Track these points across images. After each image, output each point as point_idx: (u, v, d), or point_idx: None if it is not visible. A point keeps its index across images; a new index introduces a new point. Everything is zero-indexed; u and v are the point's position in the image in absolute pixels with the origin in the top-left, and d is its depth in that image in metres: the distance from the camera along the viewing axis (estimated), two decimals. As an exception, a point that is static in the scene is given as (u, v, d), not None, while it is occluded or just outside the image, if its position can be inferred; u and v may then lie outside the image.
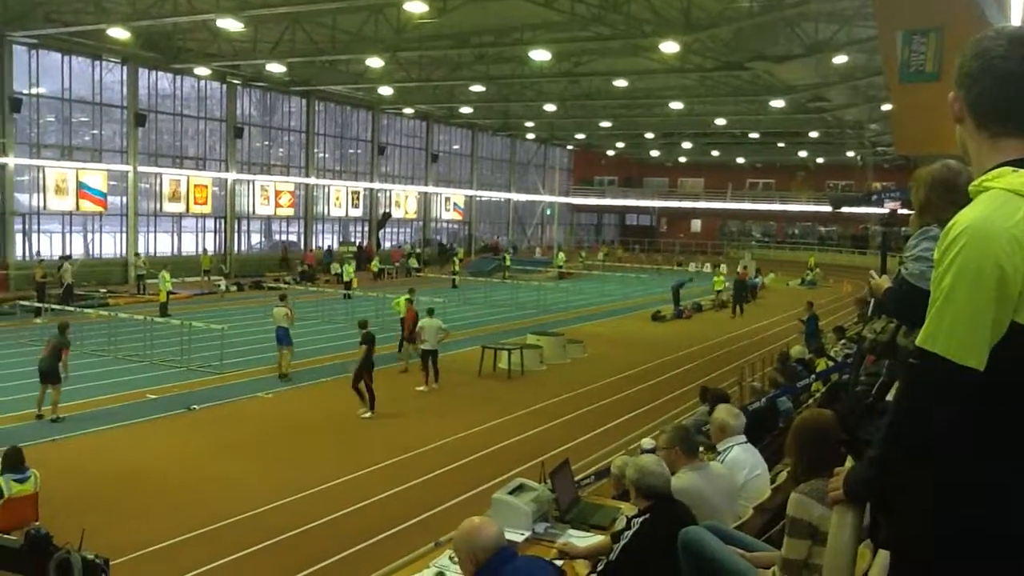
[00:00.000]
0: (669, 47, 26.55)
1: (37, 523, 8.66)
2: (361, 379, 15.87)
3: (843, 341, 17.19)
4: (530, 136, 64.28)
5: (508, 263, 46.91)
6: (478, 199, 62.75)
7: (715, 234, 69.95)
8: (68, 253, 34.36)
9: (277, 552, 9.62)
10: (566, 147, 72.14)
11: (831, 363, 14.64)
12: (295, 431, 14.90)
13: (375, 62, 32.11)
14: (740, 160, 67.48)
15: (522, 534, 5.13)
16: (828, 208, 57.16)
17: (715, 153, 64.86)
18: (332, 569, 9.15)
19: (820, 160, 64.31)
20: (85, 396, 16.49)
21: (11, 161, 32.93)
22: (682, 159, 69.71)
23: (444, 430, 14.99)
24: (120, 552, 8.18)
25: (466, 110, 49.67)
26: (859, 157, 56.82)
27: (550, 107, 44.80)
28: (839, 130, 48.51)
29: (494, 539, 3.71)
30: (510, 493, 5.42)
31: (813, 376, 13.85)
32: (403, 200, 54.97)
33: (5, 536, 5.53)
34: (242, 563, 9.30)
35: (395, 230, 55.62)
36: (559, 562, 4.62)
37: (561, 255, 52.32)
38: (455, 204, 60.13)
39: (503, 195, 65.66)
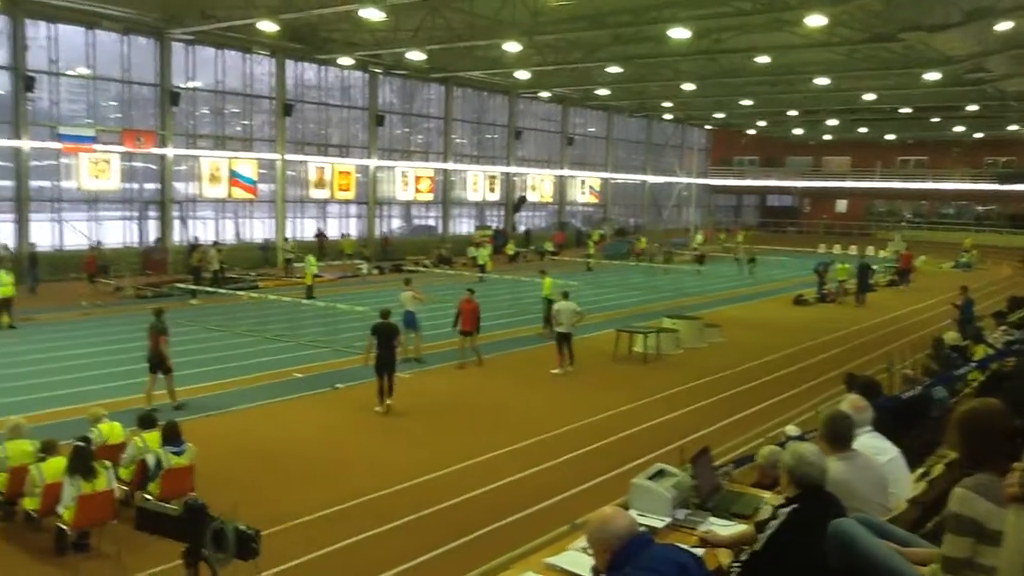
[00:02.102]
0: (815, 20, 25.51)
1: (193, 494, 9.14)
2: (384, 371, 14.82)
3: (1003, 327, 16.15)
4: (667, 117, 63.24)
5: (643, 246, 46.35)
6: (613, 182, 62.27)
7: (862, 215, 67.06)
8: (215, 239, 36.05)
9: (415, 529, 9.81)
10: (704, 127, 70.62)
11: (991, 350, 13.75)
12: (431, 410, 15.18)
13: (512, 46, 32.21)
14: (890, 136, 64.31)
15: (662, 520, 5.03)
16: (986, 186, 53.76)
17: (862, 130, 62.06)
18: (469, 547, 9.27)
19: (978, 135, 60.50)
20: (235, 375, 17.30)
21: (170, 152, 34.88)
22: (827, 137, 67.02)
23: (579, 413, 14.96)
24: (267, 524, 8.53)
25: (602, 92, 49.27)
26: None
27: (688, 86, 43.88)
28: (1000, 102, 45.50)
29: (626, 527, 3.63)
30: (650, 478, 5.32)
31: (974, 364, 13.05)
32: (539, 184, 55.13)
33: (165, 504, 5.83)
34: (382, 538, 9.53)
35: (531, 214, 55.87)
36: (699, 550, 4.49)
37: (698, 237, 51.34)
38: (590, 187, 59.86)
39: (639, 177, 64.92)
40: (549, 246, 45.07)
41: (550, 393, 16.82)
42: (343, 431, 13.75)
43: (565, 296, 19.11)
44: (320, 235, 40.03)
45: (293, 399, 15.65)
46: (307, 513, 10.02)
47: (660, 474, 5.41)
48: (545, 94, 50.97)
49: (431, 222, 49.75)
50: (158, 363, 14.47)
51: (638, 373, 18.84)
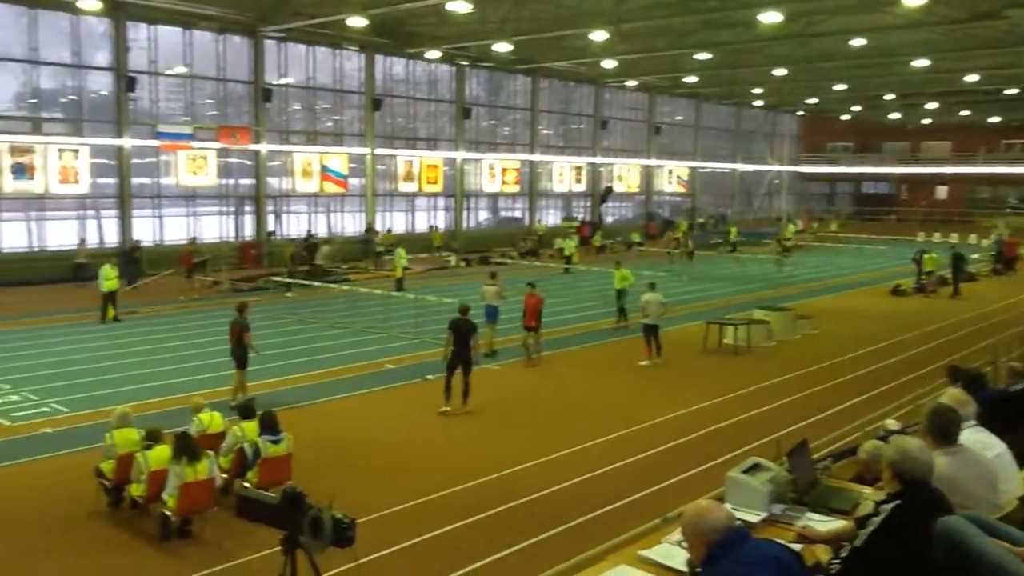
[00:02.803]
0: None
1: (290, 482, 9.36)
2: (456, 369, 14.35)
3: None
4: (757, 103, 61.97)
5: (734, 235, 45.55)
6: (702, 171, 61.35)
7: (963, 201, 64.55)
8: (327, 235, 36.89)
9: (505, 519, 9.85)
10: (795, 113, 68.97)
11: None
12: (517, 403, 15.21)
13: (598, 35, 31.99)
14: (994, 119, 61.68)
15: (757, 515, 4.94)
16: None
17: (964, 113, 59.70)
18: (558, 539, 9.26)
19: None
20: (329, 366, 17.66)
21: (264, 148, 35.78)
22: (926, 121, 64.70)
23: (668, 405, 14.80)
24: (360, 513, 8.66)
25: (690, 79, 48.57)
26: None
27: (779, 71, 42.90)
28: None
29: (724, 520, 3.57)
30: (745, 472, 5.22)
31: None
32: (625, 174, 54.70)
33: (265, 492, 5.98)
34: (473, 528, 9.60)
35: (617, 204, 55.49)
36: (796, 546, 4.38)
37: (791, 226, 50.19)
38: (678, 177, 59.11)
39: (728, 166, 63.80)
40: (637, 237, 44.69)
41: (638, 385, 16.69)
42: (433, 421, 13.89)
43: (651, 287, 18.92)
44: (370, 231, 39.56)
45: (385, 390, 15.90)
46: (399, 502, 10.16)
47: (756, 468, 5.31)
48: (632, 83, 50.51)
49: (517, 214, 49.87)
50: (242, 357, 14.59)
51: (729, 365, 18.54)
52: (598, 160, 52.37)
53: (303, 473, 9.89)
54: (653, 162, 56.50)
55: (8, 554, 8.86)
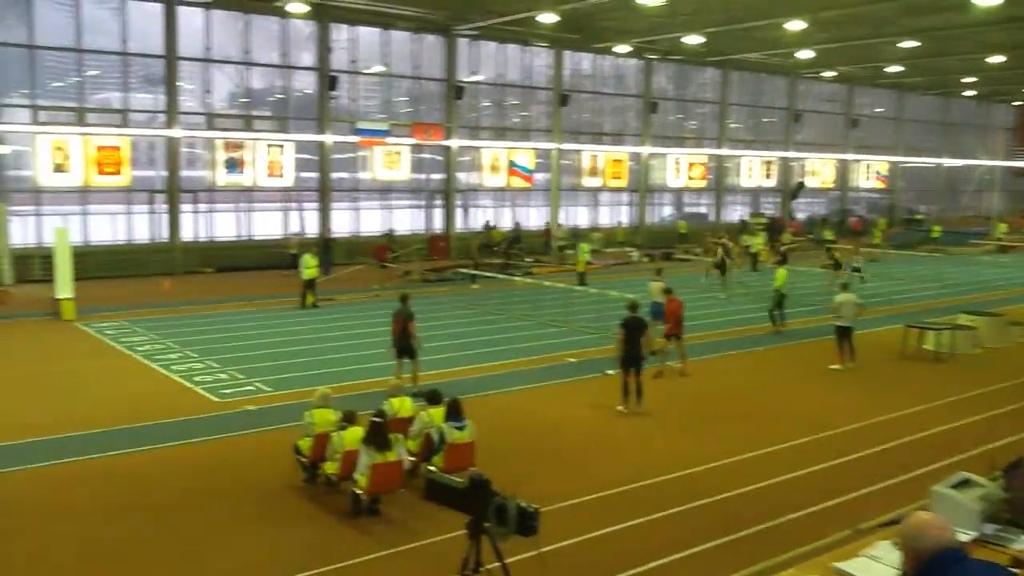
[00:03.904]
0: None
1: (474, 468, 9.56)
2: (630, 367, 14.05)
3: None
4: (967, 93, 57.78)
5: (936, 234, 42.73)
6: (903, 165, 57.93)
7: None
8: (514, 231, 37.57)
9: (686, 519, 9.66)
10: (1012, 103, 63.84)
11: None
12: (695, 402, 14.88)
13: (794, 25, 30.79)
14: None
15: (967, 534, 4.58)
16: None
17: None
18: (741, 543, 8.99)
19: None
20: (511, 357, 17.93)
21: (455, 143, 36.79)
22: None
23: (862, 412, 14.05)
24: (540, 503, 8.73)
25: (893, 69, 45.90)
26: None
27: (996, 58, 39.82)
28: None
29: (943, 539, 3.31)
30: (953, 487, 4.85)
31: None
32: (819, 169, 52.48)
33: (451, 477, 6.13)
34: (653, 526, 9.47)
35: (809, 201, 53.33)
36: (1015, 571, 4.03)
37: (1002, 226, 46.58)
38: (877, 172, 56.09)
39: (933, 160, 59.92)
40: (829, 234, 42.75)
41: (828, 389, 15.95)
42: (611, 417, 13.82)
43: (845, 288, 18.03)
44: (488, 227, 38.25)
45: (565, 383, 15.97)
46: (578, 495, 10.17)
47: (965, 483, 4.93)
48: (829, 74, 48.35)
49: (702, 209, 48.87)
50: (406, 347, 14.88)
51: (929, 372, 17.42)
52: (790, 154, 50.49)
53: (485, 460, 10.08)
54: (850, 156, 53.89)
55: (219, 521, 9.54)
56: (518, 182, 39.35)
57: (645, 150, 43.71)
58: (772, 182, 50.15)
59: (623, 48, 38.96)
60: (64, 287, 21.39)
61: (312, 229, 33.78)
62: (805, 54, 39.15)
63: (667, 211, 47.90)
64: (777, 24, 31.69)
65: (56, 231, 22.32)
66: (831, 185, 53.76)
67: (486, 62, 38.02)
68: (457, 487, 5.58)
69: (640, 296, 17.24)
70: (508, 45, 38.07)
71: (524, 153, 39.32)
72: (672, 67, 44.76)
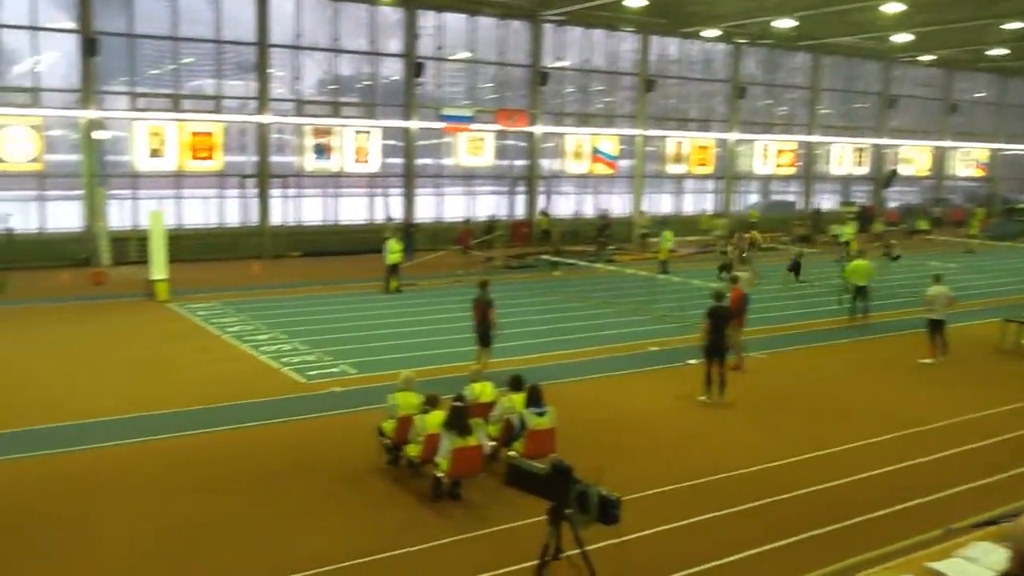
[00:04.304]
0: None
1: (554, 455, 9.57)
2: (714, 358, 13.89)
3: None
4: (1079, 77, 55.08)
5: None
6: (1004, 153, 55.61)
7: None
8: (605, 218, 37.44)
9: (766, 513, 9.51)
10: None
11: None
12: (777, 396, 14.60)
13: (892, 7, 29.78)
14: None
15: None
16: None
17: None
18: (822, 540, 8.81)
19: None
20: (593, 344, 17.88)
21: (539, 130, 36.74)
22: None
23: (954, 408, 13.59)
24: (622, 491, 8.70)
25: (996, 52, 44.01)
26: None
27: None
28: None
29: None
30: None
31: None
32: (914, 156, 50.77)
33: (533, 463, 6.14)
34: (732, 519, 9.35)
35: (903, 189, 51.67)
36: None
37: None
38: (976, 160, 53.98)
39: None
40: (923, 224, 41.41)
41: (917, 384, 15.48)
42: (693, 407, 13.68)
43: (937, 280, 17.42)
44: (544, 213, 37.52)
45: (646, 372, 15.87)
46: (658, 485, 10.11)
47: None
48: (926, 57, 46.65)
49: (790, 197, 47.81)
50: (484, 334, 14.97)
51: (1029, 369, 16.76)
52: (883, 141, 48.97)
53: (566, 447, 10.08)
54: (947, 144, 51.98)
55: (303, 500, 9.77)
56: (601, 169, 39.10)
57: (732, 136, 42.94)
58: (864, 170, 48.74)
59: (711, 32, 38.27)
60: (159, 269, 22.12)
61: (396, 215, 34.17)
62: (902, 37, 37.83)
63: (753, 198, 46.99)
64: (873, 6, 30.70)
65: (151, 214, 23.07)
66: (926, 173, 51.98)
67: (571, 48, 37.81)
68: (539, 473, 5.59)
69: (724, 286, 16.95)
70: (594, 30, 37.78)
71: (608, 139, 39.03)
72: (761, 52, 43.80)
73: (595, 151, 38.58)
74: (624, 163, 40.16)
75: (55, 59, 28.91)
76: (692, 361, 15.56)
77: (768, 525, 9.17)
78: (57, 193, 28.98)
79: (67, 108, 28.28)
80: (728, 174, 43.41)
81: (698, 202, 43.33)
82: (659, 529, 8.94)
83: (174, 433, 11.87)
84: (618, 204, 40.34)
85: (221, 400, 13.45)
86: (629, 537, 7.59)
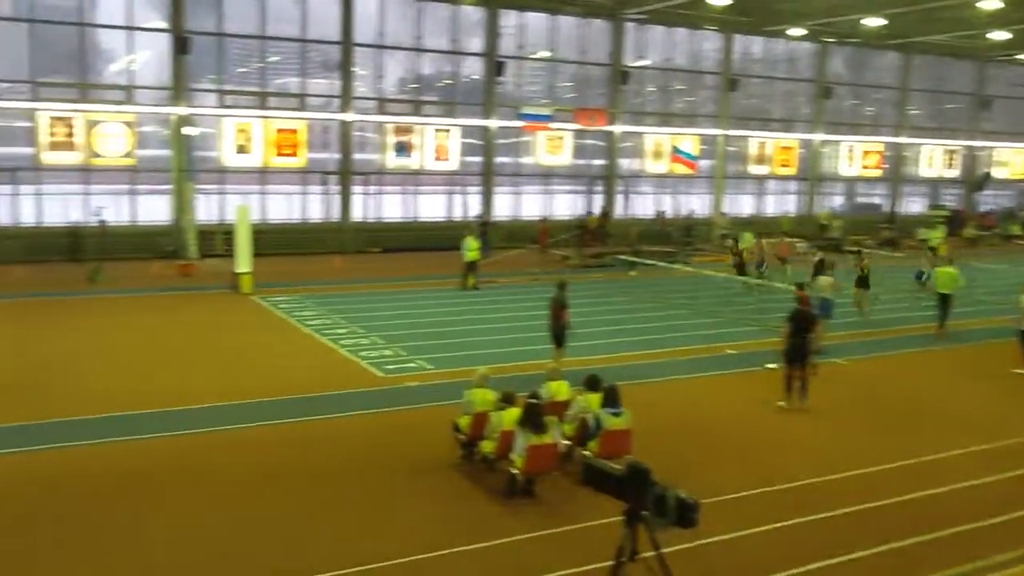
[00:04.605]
0: None
1: (629, 456, 9.49)
2: (795, 363, 13.52)
3: None
4: None
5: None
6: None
7: None
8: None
9: (853, 521, 9.26)
10: None
11: None
12: (861, 401, 14.22)
13: (988, 4, 28.74)
14: None
15: None
16: None
17: None
18: (909, 552, 8.55)
19: None
20: (668, 346, 17.69)
21: (618, 129, 36.53)
22: None
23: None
24: (699, 494, 8.58)
25: (1101, 51, 42.15)
26: None
27: None
28: None
29: None
30: None
31: None
32: (1009, 159, 48.95)
33: (610, 464, 6.09)
34: (817, 526, 9.14)
35: (996, 192, 49.86)
36: None
37: None
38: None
39: None
40: (1017, 228, 39.92)
41: (1007, 394, 14.89)
42: (771, 412, 13.40)
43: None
44: (589, 213, 36.75)
45: (724, 375, 15.64)
46: (735, 490, 9.93)
47: None
48: (1024, 57, 44.96)
49: (875, 200, 46.57)
50: (558, 334, 14.90)
51: None
52: (976, 143, 47.33)
53: (641, 449, 9.96)
54: (1044, 146, 50.00)
55: (378, 493, 9.89)
56: (681, 169, 38.67)
57: (816, 137, 42.02)
58: (954, 172, 47.19)
59: (797, 31, 37.47)
60: (243, 262, 22.65)
61: (477, 212, 34.35)
62: (999, 35, 36.49)
63: (837, 200, 45.91)
64: (969, 3, 29.68)
65: (237, 209, 23.63)
66: (1022, 176, 50.06)
67: (653, 46, 37.48)
68: (615, 474, 5.54)
69: (806, 291, 16.59)
70: (676, 29, 37.39)
71: (688, 139, 38.58)
72: (848, 50, 42.75)
73: (675, 151, 38.17)
74: (704, 163, 39.66)
75: (148, 58, 29.88)
76: (771, 365, 15.26)
77: (851, 534, 8.93)
78: (148, 187, 29.98)
79: (159, 105, 29.23)
80: (812, 175, 42.50)
81: (780, 204, 42.51)
82: (737, 534, 8.78)
83: (254, 423, 12.14)
84: (697, 204, 39.85)
85: (300, 392, 13.70)
86: (706, 541, 7.49)
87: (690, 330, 19.37)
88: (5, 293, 21.41)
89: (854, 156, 43.41)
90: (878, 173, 44.76)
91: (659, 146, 37.89)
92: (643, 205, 38.61)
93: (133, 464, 10.51)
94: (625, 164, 38.02)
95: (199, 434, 11.66)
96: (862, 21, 33.64)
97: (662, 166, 38.23)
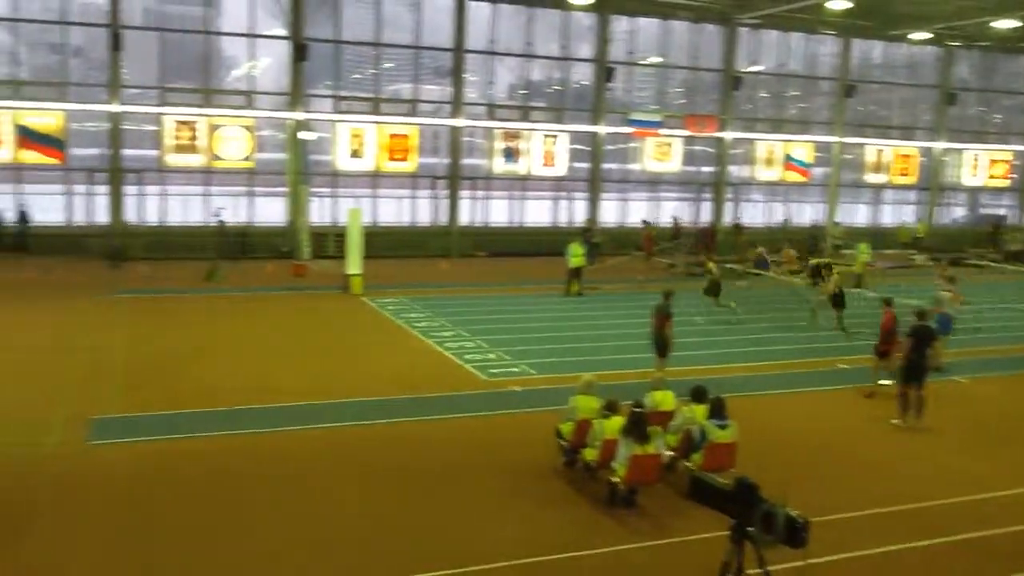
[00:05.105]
0: None
1: (733, 470, 9.31)
2: (913, 380, 13.04)
3: None
4: None
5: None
6: None
7: None
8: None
9: (975, 547, 8.85)
10: None
11: None
12: (983, 421, 13.58)
13: None
14: None
15: None
16: None
17: None
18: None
19: None
20: (777, 358, 17.28)
21: (729, 135, 35.92)
22: None
23: None
24: (809, 512, 8.33)
25: None
26: None
27: None
28: None
29: None
30: None
31: None
32: None
33: (717, 478, 5.98)
34: (941, 550, 8.79)
35: None
36: None
37: None
38: None
39: None
40: None
41: None
42: (887, 430, 12.92)
43: None
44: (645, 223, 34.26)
45: (835, 390, 15.18)
46: (846, 510, 9.61)
47: None
48: None
49: (1001, 211, 44.41)
50: (663, 345, 14.63)
51: None
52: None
53: (746, 463, 9.74)
54: None
55: (480, 494, 9.96)
56: (793, 176, 37.74)
57: (939, 145, 40.36)
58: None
59: (920, 35, 36.07)
60: (354, 264, 23.19)
61: (579, 218, 34.29)
62: None
63: (959, 211, 44.01)
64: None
65: (350, 212, 24.20)
66: None
67: (766, 51, 36.71)
68: (723, 489, 5.44)
69: (926, 304, 15.95)
70: (792, 34, 36.52)
71: (802, 146, 37.62)
72: (976, 55, 40.91)
73: (787, 158, 37.29)
74: (818, 171, 38.60)
75: (268, 64, 30.96)
76: (885, 382, 14.71)
77: (967, 563, 8.54)
78: (264, 189, 31.01)
79: (277, 110, 30.19)
80: (933, 185, 40.85)
81: (896, 213, 40.99)
82: (848, 555, 8.50)
83: (360, 421, 12.39)
84: (810, 213, 38.82)
85: (406, 392, 13.92)
86: (814, 561, 7.25)
87: (800, 342, 18.87)
88: (131, 289, 22.49)
89: (979, 165, 41.52)
90: (1006, 183, 42.69)
91: (771, 153, 37.09)
92: (753, 213, 37.85)
93: (255, 456, 10.86)
94: (735, 171, 37.34)
95: (307, 430, 11.98)
96: (992, 23, 32.17)
97: (774, 173, 37.40)
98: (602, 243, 30.97)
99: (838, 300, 20.28)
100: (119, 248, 27.03)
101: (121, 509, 9.17)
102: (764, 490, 5.82)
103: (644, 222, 32.92)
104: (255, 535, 8.68)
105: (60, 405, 12.50)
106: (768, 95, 37.71)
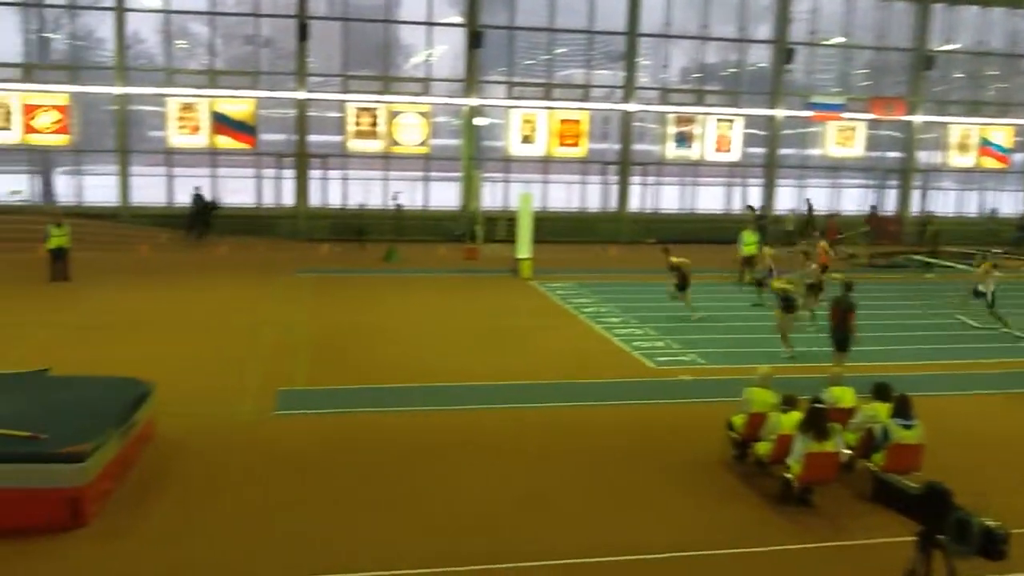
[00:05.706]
0: None
1: (918, 472, 8.80)
2: None
3: None
4: None
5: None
6: None
7: None
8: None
9: None
10: None
11: None
12: None
13: None
14: None
15: None
16: None
17: None
18: None
19: None
20: (967, 356, 16.21)
21: (919, 119, 33.88)
22: None
23: None
24: (1012, 523, 7.77)
25: None
26: None
27: None
28: None
29: None
30: None
31: None
32: None
33: (907, 481, 5.66)
34: None
35: None
36: None
37: None
38: None
39: None
40: None
41: None
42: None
43: None
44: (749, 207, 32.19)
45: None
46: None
47: None
48: None
49: None
50: (842, 339, 13.97)
51: None
52: None
53: (932, 466, 9.17)
54: None
55: (646, 483, 9.84)
56: (990, 162, 35.21)
57: None
58: None
59: None
60: (524, 248, 23.45)
61: (754, 204, 33.24)
62: None
63: None
64: None
65: (521, 197, 24.46)
66: None
67: (963, 29, 34.33)
68: (911, 492, 5.13)
69: None
70: (992, 9, 33.98)
71: (1000, 130, 35.01)
72: None
73: (984, 143, 34.81)
74: (1018, 156, 35.85)
75: (444, 52, 31.67)
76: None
77: None
78: (439, 174, 31.81)
79: (452, 96, 30.86)
80: None
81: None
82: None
83: (529, 404, 12.51)
84: (1008, 202, 36.13)
85: (574, 376, 13.97)
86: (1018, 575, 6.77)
87: (993, 341, 17.60)
88: (314, 267, 23.66)
89: None
90: None
91: (965, 137, 34.72)
92: (943, 202, 35.61)
93: (430, 432, 11.19)
94: (924, 157, 35.20)
95: (473, 410, 12.20)
96: None
97: (969, 159, 35.01)
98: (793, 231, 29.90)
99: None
100: (362, 228, 28.81)
101: (308, 475, 9.66)
102: (956, 496, 5.46)
103: (749, 207, 31.32)
104: (458, 498, 8.94)
105: (251, 377, 13.31)
106: (963, 75, 35.27)
